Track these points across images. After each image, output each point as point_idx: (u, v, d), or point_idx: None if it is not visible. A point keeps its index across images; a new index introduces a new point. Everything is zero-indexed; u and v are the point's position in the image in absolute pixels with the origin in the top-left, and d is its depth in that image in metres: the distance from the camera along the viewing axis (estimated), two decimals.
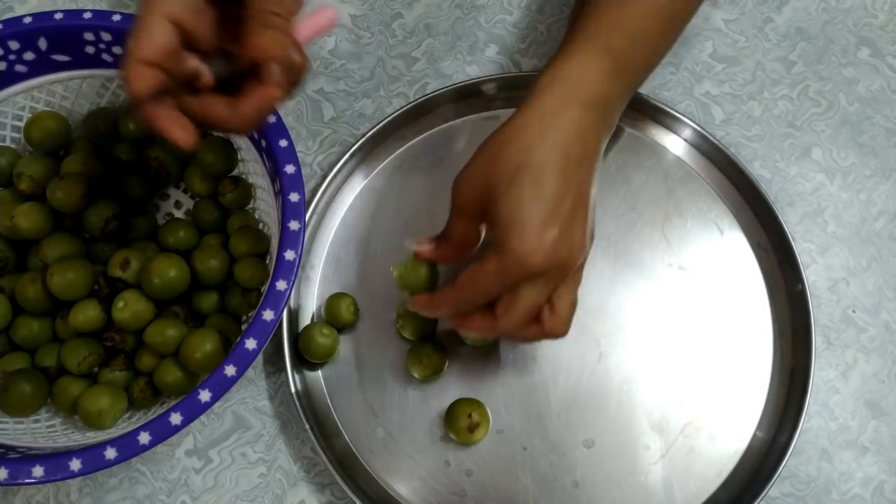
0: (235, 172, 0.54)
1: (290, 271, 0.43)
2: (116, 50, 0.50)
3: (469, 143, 0.59)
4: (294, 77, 0.39)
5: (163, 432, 0.40)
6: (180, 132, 0.37)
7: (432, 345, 0.51)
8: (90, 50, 0.50)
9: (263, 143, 0.47)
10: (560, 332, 0.44)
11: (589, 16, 0.46)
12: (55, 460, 0.39)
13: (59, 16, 0.48)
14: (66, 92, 0.53)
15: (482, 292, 0.42)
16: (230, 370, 0.41)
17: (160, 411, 0.43)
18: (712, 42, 0.63)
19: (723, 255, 0.56)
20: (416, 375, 0.51)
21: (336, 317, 0.52)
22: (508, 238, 0.40)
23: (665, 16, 0.47)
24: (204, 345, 0.46)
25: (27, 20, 0.48)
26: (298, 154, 0.47)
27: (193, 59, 0.37)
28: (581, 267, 0.44)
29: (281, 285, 0.43)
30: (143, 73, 0.36)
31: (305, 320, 0.54)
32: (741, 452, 0.51)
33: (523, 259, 0.40)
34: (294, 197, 0.45)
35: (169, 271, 0.46)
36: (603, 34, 0.45)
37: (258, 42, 0.37)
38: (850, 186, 0.59)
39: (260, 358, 0.53)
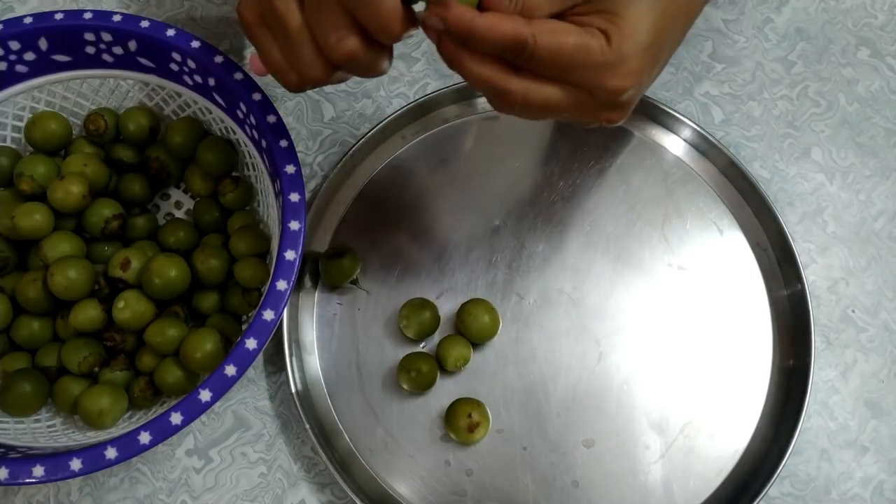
0: (236, 173, 0.54)
1: (291, 271, 0.43)
2: (117, 50, 0.50)
3: (470, 143, 0.59)
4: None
5: (163, 432, 0.40)
6: None
7: (423, 358, 0.51)
8: (90, 50, 0.50)
9: (264, 144, 0.47)
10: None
11: None
12: (56, 460, 0.39)
13: (59, 16, 0.48)
14: (66, 92, 0.53)
15: (550, 55, 0.34)
16: (230, 370, 0.41)
17: (160, 411, 0.43)
18: (712, 42, 0.63)
19: (722, 255, 0.56)
20: (405, 387, 0.51)
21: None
22: (622, 37, 0.34)
23: None
24: (204, 344, 0.46)
25: (27, 20, 0.48)
26: (299, 154, 0.47)
27: None
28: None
29: (281, 285, 0.43)
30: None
31: (306, 319, 0.54)
32: (741, 452, 0.51)
33: (625, 71, 0.35)
34: (294, 197, 0.45)
35: (169, 271, 0.46)
36: None
37: None
38: (850, 186, 0.59)
39: (260, 358, 0.53)
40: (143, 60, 0.50)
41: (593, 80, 0.35)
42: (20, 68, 0.50)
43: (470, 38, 0.34)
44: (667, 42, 0.37)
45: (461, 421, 0.49)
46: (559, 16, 0.36)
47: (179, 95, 0.53)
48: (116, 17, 0.48)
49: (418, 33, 0.36)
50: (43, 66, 0.50)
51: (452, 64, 0.36)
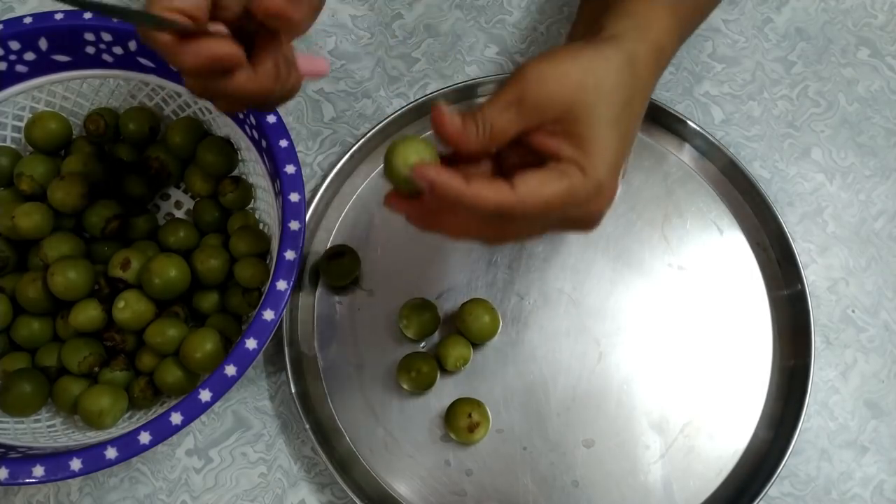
0: (236, 172, 0.54)
1: (291, 271, 0.43)
2: (117, 50, 0.50)
3: None
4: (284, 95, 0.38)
5: (163, 432, 0.40)
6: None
7: (423, 358, 0.51)
8: (90, 50, 0.50)
9: (264, 144, 0.47)
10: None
11: None
12: (56, 460, 0.39)
13: (59, 16, 0.48)
14: (66, 92, 0.53)
15: (538, 211, 0.36)
16: (230, 370, 0.41)
17: (160, 411, 0.43)
18: (712, 42, 0.63)
19: (722, 255, 0.56)
20: (405, 387, 0.51)
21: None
22: (595, 165, 0.36)
23: None
24: (204, 345, 0.46)
25: (27, 20, 0.48)
26: (298, 154, 0.47)
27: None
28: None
29: (281, 285, 0.43)
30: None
31: (306, 319, 0.54)
32: (741, 452, 0.51)
33: (605, 193, 0.37)
34: (294, 197, 0.45)
35: (169, 271, 0.46)
36: None
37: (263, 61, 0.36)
38: (850, 186, 0.59)
39: (260, 358, 0.53)
40: (143, 60, 0.50)
41: (578, 213, 0.37)
42: (20, 68, 0.50)
43: (456, 207, 0.36)
44: (629, 146, 0.39)
45: (461, 421, 0.49)
46: (526, 133, 0.37)
47: (179, 95, 0.53)
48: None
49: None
50: (43, 66, 0.50)
51: (431, 230, 0.38)
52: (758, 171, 0.59)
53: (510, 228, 0.38)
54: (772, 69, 0.62)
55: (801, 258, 0.55)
